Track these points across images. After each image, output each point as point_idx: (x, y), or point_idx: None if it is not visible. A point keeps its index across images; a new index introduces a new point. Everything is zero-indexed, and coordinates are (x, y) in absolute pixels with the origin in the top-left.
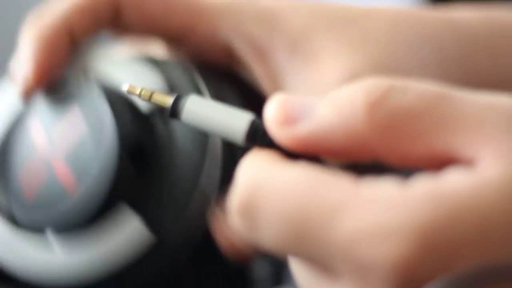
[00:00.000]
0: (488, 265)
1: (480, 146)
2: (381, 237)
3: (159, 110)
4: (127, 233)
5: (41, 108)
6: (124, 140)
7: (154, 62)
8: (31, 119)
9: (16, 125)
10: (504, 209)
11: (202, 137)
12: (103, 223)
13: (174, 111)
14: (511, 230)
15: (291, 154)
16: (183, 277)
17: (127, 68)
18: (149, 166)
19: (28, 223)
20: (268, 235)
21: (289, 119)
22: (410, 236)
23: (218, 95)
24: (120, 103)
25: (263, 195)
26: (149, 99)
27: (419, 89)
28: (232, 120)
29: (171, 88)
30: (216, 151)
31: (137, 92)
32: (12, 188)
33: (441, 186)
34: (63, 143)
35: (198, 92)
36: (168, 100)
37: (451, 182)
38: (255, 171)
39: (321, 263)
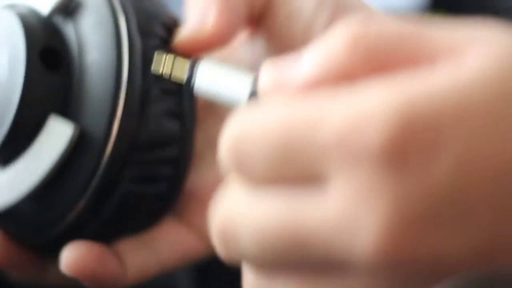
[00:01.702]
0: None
1: (462, 47)
2: (371, 122)
3: (59, 10)
4: (50, 131)
5: None
6: (32, 43)
7: None
8: None
9: None
10: (483, 90)
11: (110, 27)
12: (25, 128)
13: (188, 84)
14: (490, 110)
15: None
16: (111, 168)
17: None
18: (61, 65)
19: None
20: (259, 164)
21: (280, 83)
22: (397, 116)
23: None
24: (24, 12)
25: (248, 135)
26: (169, 76)
27: (393, 25)
28: (236, 87)
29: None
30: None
31: (159, 73)
32: None
33: (417, 76)
34: None
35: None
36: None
37: (429, 72)
38: (239, 125)
39: (310, 174)
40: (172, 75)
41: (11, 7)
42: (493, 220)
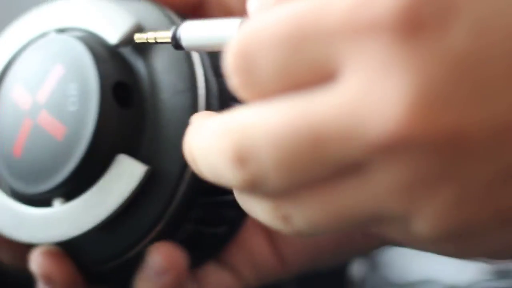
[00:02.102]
0: None
1: None
2: None
3: (127, 40)
4: (120, 169)
5: (16, 66)
6: (105, 77)
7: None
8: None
9: None
10: None
11: (185, 66)
12: (96, 167)
13: (176, 43)
14: None
15: None
16: (179, 210)
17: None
18: (133, 101)
19: (21, 180)
20: (268, 67)
21: None
22: None
23: None
24: (92, 41)
25: (254, 37)
26: (155, 40)
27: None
28: (225, 28)
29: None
30: (201, 77)
31: (144, 39)
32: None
33: None
34: (42, 91)
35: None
36: (168, 34)
37: None
38: (243, 30)
39: (322, 66)
40: (158, 39)
41: (73, 32)
42: None
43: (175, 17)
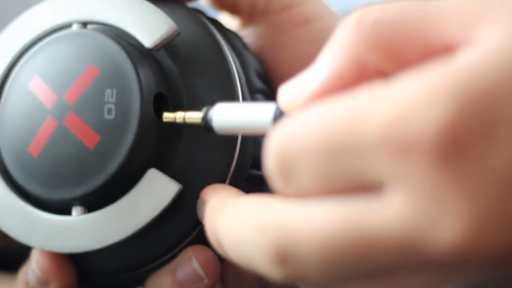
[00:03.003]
0: None
1: (473, 26)
2: (419, 110)
3: (163, 45)
4: (151, 185)
5: (39, 60)
6: (146, 87)
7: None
8: (26, 76)
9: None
10: None
11: (223, 81)
12: (127, 180)
13: (206, 125)
14: None
15: None
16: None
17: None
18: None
19: (37, 183)
20: (306, 172)
21: (300, 91)
22: (449, 102)
23: (229, 40)
24: (124, 41)
25: (292, 142)
26: (184, 121)
27: (396, 3)
28: (259, 115)
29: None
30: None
31: (173, 118)
32: (15, 151)
33: (456, 61)
34: (71, 91)
35: (212, 37)
36: (198, 115)
37: (463, 58)
38: (281, 133)
39: (362, 177)
40: (187, 119)
41: (99, 27)
42: None
43: (213, 29)
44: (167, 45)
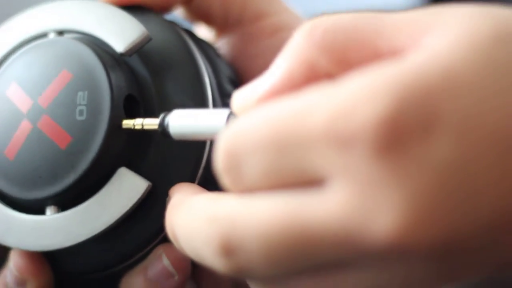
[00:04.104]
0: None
1: (422, 34)
2: (361, 104)
3: (134, 50)
4: (121, 183)
5: (17, 68)
6: (116, 89)
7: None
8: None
9: None
10: (470, 65)
11: (194, 84)
12: (97, 179)
13: (163, 131)
14: (477, 79)
15: None
16: None
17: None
18: (141, 116)
19: (12, 184)
20: (254, 167)
21: (252, 93)
22: (390, 97)
23: (201, 47)
24: (97, 47)
25: (240, 138)
26: (142, 127)
27: (351, 13)
28: (213, 121)
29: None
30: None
31: (131, 125)
32: None
33: (402, 62)
34: (45, 95)
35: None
36: (156, 122)
37: (409, 59)
38: (229, 131)
39: (305, 171)
40: (145, 125)
41: (74, 35)
42: (502, 190)
43: (179, 29)
44: (140, 51)
